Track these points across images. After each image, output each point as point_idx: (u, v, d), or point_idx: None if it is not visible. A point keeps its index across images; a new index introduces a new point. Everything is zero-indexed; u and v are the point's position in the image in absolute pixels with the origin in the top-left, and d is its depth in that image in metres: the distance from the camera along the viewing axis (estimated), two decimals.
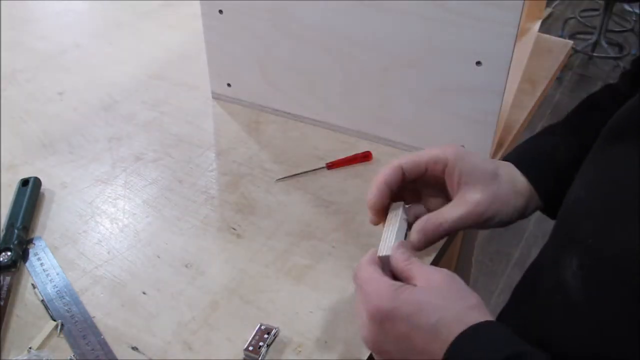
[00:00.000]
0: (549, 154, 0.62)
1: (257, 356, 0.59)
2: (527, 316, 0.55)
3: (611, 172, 0.48)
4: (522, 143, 0.65)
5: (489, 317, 0.46)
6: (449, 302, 0.46)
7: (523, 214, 0.60)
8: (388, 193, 0.56)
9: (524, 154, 0.63)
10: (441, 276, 0.48)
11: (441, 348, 0.45)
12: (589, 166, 0.52)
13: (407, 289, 0.48)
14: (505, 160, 0.62)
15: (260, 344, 0.59)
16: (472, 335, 0.44)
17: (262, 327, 0.61)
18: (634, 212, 0.43)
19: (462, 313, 0.46)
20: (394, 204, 0.58)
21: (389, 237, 0.54)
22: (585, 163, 0.53)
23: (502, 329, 0.45)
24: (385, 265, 0.53)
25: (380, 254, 0.53)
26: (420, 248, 0.56)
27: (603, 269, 0.44)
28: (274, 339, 0.61)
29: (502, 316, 0.63)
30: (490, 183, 0.56)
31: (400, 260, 0.51)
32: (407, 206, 0.59)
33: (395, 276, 0.51)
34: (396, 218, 0.56)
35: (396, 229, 0.54)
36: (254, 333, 0.60)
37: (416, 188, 0.60)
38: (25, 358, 0.58)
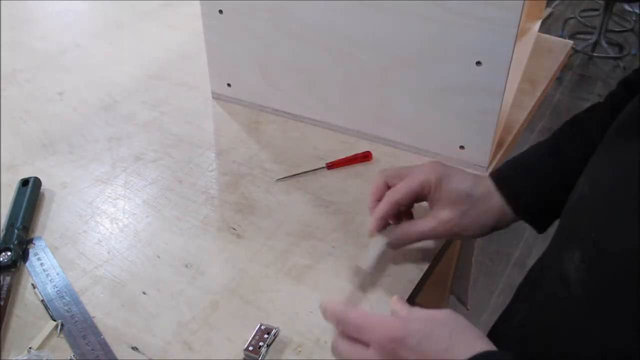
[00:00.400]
0: (530, 171, 0.66)
1: (257, 356, 0.59)
2: (532, 311, 0.57)
3: (615, 168, 0.49)
4: (510, 159, 0.70)
5: (495, 349, 0.48)
6: (456, 331, 0.49)
7: (495, 228, 0.67)
8: (386, 222, 0.66)
9: (506, 171, 0.68)
10: (444, 312, 0.51)
11: None
12: (595, 163, 0.53)
13: (414, 319, 0.51)
14: (493, 174, 0.67)
15: (260, 344, 0.59)
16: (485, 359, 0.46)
17: (262, 327, 0.61)
18: (635, 209, 0.43)
19: (471, 341, 0.49)
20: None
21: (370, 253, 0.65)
22: (591, 160, 0.55)
23: (511, 357, 0.47)
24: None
25: (363, 266, 0.65)
26: (395, 248, 0.67)
27: (605, 264, 0.45)
28: (274, 339, 0.61)
29: (507, 312, 0.63)
30: (461, 204, 0.64)
31: (402, 310, 0.54)
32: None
33: None
34: (380, 240, 0.66)
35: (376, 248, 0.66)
36: (254, 333, 0.60)
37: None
38: (25, 358, 0.58)
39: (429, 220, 0.65)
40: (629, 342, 0.42)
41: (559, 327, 0.50)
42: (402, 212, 0.68)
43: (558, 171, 0.65)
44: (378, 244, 0.66)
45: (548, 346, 0.50)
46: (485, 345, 0.48)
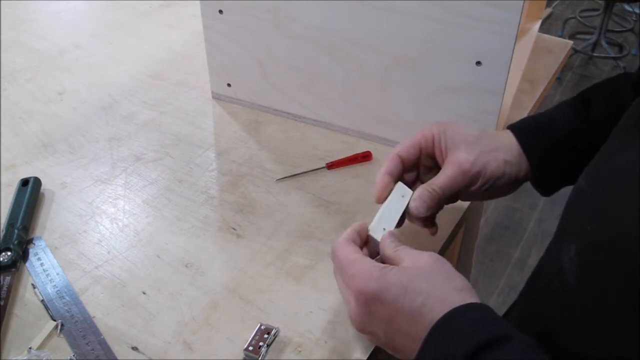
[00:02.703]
0: (547, 124, 0.64)
1: (257, 356, 0.59)
2: (532, 303, 0.56)
3: (610, 161, 0.49)
4: (529, 117, 0.67)
5: (475, 299, 0.47)
6: (434, 284, 0.48)
7: (516, 177, 0.63)
8: (392, 182, 0.61)
9: (524, 122, 0.65)
10: (427, 258, 0.50)
11: (424, 330, 0.46)
12: (594, 160, 0.53)
13: (391, 270, 0.49)
14: (511, 126, 0.65)
15: (261, 344, 0.59)
16: (452, 318, 0.45)
17: (262, 327, 0.61)
18: (628, 197, 0.43)
19: (446, 295, 0.47)
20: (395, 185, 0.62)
21: (383, 214, 0.59)
22: (594, 158, 0.54)
23: (485, 311, 0.46)
24: (371, 244, 0.57)
25: (371, 232, 0.57)
26: (420, 215, 0.60)
27: (597, 253, 0.45)
28: (274, 339, 0.61)
29: (513, 307, 0.63)
30: (474, 143, 0.60)
31: (389, 248, 0.54)
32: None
33: (384, 261, 0.54)
34: (391, 195, 0.60)
35: (389, 205, 0.59)
36: (253, 333, 0.60)
37: (417, 175, 0.65)
38: (25, 358, 0.58)
39: (446, 169, 0.60)
40: (621, 330, 0.42)
41: (553, 319, 0.50)
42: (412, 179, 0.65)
43: (583, 129, 0.62)
44: (388, 201, 0.59)
45: (543, 337, 0.50)
46: (459, 299, 0.46)
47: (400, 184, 0.62)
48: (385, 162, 0.62)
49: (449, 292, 0.47)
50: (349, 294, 0.51)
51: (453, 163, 0.60)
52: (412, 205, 0.60)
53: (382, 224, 0.58)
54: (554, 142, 0.63)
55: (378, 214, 0.59)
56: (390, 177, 0.61)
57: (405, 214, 0.61)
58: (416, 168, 0.65)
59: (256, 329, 0.61)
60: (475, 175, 0.60)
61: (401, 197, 0.61)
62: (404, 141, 0.62)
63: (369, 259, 0.52)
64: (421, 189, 0.60)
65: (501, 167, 0.61)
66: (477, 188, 0.61)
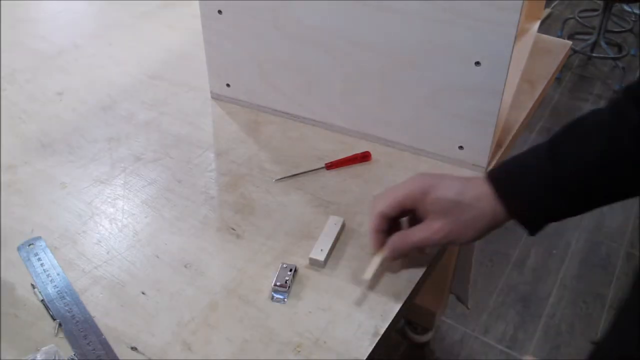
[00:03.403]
0: (527, 172, 0.65)
1: (285, 289, 0.66)
2: None
3: None
4: (508, 159, 0.68)
5: None
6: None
7: (491, 229, 0.66)
8: (384, 238, 0.67)
9: (503, 171, 0.67)
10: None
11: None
12: None
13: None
14: (489, 174, 0.66)
15: (287, 279, 0.66)
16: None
17: (284, 266, 0.68)
18: None
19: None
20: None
21: (321, 240, 0.71)
22: None
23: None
24: (315, 265, 0.70)
25: (312, 255, 0.69)
26: (393, 259, 0.68)
27: None
28: (295, 273, 0.68)
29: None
30: (451, 212, 0.64)
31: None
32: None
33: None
34: (327, 225, 0.74)
35: (326, 232, 0.72)
36: (277, 272, 0.67)
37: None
38: (31, 357, 0.58)
39: (423, 229, 0.66)
40: None
41: None
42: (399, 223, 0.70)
43: (555, 174, 0.63)
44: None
45: None
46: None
47: (332, 217, 0.74)
48: (371, 217, 0.67)
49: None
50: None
51: (429, 228, 0.65)
52: (387, 252, 0.67)
53: (320, 247, 0.70)
54: (538, 200, 0.64)
55: (317, 241, 0.71)
56: (381, 234, 0.67)
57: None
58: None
59: (279, 268, 0.68)
60: (450, 241, 0.66)
61: (334, 224, 0.73)
62: (389, 198, 0.66)
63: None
64: (397, 238, 0.66)
65: (477, 233, 0.66)
66: (445, 246, 0.68)
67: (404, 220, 0.70)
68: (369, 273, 0.66)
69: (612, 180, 0.61)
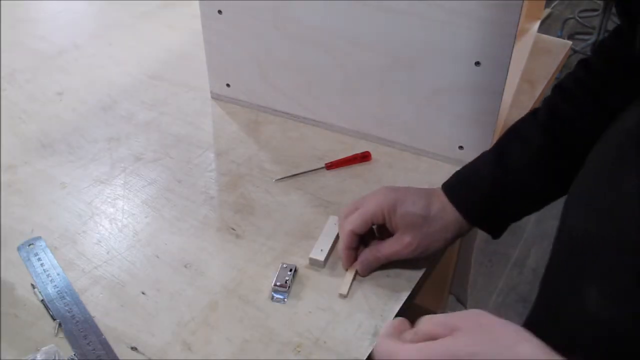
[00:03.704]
0: (476, 179, 0.69)
1: (285, 289, 0.66)
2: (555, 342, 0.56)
3: (618, 203, 0.49)
4: (459, 170, 0.72)
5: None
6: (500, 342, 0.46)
7: (458, 237, 0.69)
8: (355, 254, 0.68)
9: (455, 182, 0.70)
10: (474, 315, 0.47)
11: None
12: (593, 194, 0.52)
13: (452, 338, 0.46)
14: (444, 186, 0.70)
15: (286, 279, 0.66)
16: None
17: (284, 266, 0.68)
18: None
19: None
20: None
21: (320, 240, 0.71)
22: (580, 186, 0.54)
23: None
24: (314, 265, 0.69)
25: (312, 255, 0.69)
26: (364, 274, 0.68)
27: (623, 294, 0.46)
28: (295, 274, 0.68)
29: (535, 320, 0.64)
30: (419, 226, 0.66)
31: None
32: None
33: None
34: (326, 225, 0.74)
35: (325, 232, 0.72)
36: (277, 272, 0.67)
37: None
38: (31, 357, 0.58)
39: (393, 244, 0.67)
40: None
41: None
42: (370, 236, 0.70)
43: (502, 178, 0.67)
44: (351, 271, 0.69)
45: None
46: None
47: (332, 217, 0.74)
48: (342, 235, 0.68)
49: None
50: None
51: (399, 242, 0.66)
52: (358, 267, 0.67)
53: (320, 247, 0.70)
54: (492, 204, 0.68)
55: (317, 241, 0.71)
56: (353, 251, 0.68)
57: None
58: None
59: (279, 267, 0.68)
60: (420, 253, 0.67)
61: (334, 224, 0.73)
62: (355, 216, 0.67)
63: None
64: (368, 253, 0.67)
65: (445, 243, 0.68)
66: (419, 257, 0.68)
67: (374, 227, 0.70)
68: (344, 288, 0.66)
69: (555, 173, 0.65)
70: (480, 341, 0.44)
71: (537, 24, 1.13)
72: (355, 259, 0.68)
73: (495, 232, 0.70)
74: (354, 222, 0.67)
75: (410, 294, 0.67)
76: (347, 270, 0.68)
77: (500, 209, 0.68)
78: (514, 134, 0.70)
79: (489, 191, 0.67)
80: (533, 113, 0.71)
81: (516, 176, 0.67)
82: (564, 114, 0.66)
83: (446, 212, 0.67)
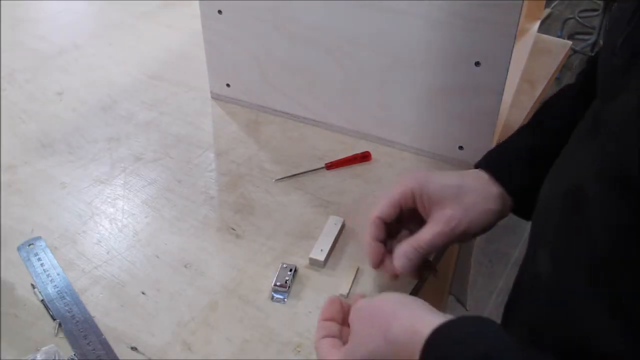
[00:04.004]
0: (517, 154, 0.64)
1: (285, 289, 0.65)
2: (518, 309, 0.58)
3: (568, 170, 0.51)
4: (493, 148, 0.68)
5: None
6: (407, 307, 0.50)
7: (501, 215, 0.62)
8: (382, 247, 0.61)
9: (491, 155, 0.65)
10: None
11: (420, 339, 0.46)
12: (556, 163, 0.54)
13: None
14: (477, 167, 0.64)
15: (286, 279, 0.66)
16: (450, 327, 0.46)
17: (284, 266, 0.68)
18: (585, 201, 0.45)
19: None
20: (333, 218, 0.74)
21: (321, 240, 0.71)
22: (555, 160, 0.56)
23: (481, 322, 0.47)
24: (314, 264, 0.69)
25: (312, 255, 0.69)
26: (405, 271, 0.60)
27: (569, 254, 0.47)
28: (295, 273, 0.67)
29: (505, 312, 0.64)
30: (457, 197, 0.59)
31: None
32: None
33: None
34: (327, 225, 0.73)
35: (326, 232, 0.72)
36: (277, 272, 0.67)
37: (400, 225, 0.64)
38: (31, 357, 0.58)
39: (432, 225, 0.59)
40: (594, 323, 0.44)
41: (538, 320, 0.52)
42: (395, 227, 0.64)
43: (540, 143, 0.63)
44: (328, 230, 0.68)
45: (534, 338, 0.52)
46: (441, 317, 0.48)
47: (332, 217, 0.74)
48: (368, 226, 0.61)
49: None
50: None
51: (439, 220, 0.59)
52: (397, 264, 0.59)
53: (320, 247, 0.70)
54: (529, 171, 0.62)
55: (317, 241, 0.70)
56: (379, 243, 0.61)
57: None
58: (399, 221, 0.63)
59: (279, 268, 0.67)
60: (462, 232, 0.59)
61: (334, 224, 0.73)
62: (383, 201, 0.60)
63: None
64: (406, 245, 0.59)
65: (488, 220, 0.61)
66: (460, 240, 0.61)
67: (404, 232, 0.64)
68: (344, 288, 0.66)
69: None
70: (366, 341, 0.50)
71: (537, 24, 1.13)
72: (382, 254, 0.61)
73: (530, 208, 0.61)
74: (380, 206, 0.60)
75: (410, 294, 0.67)
76: (376, 269, 0.63)
77: (540, 178, 0.59)
78: (548, 107, 0.67)
79: (528, 159, 0.62)
80: (565, 87, 0.68)
81: (553, 140, 0.59)
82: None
83: (484, 184, 0.61)
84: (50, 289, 0.66)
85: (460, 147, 0.83)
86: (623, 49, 0.44)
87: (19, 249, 0.71)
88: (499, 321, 0.66)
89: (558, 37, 1.32)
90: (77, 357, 0.59)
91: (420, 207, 0.61)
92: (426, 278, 0.67)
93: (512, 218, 0.67)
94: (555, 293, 0.49)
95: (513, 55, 0.73)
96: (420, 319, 0.47)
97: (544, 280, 0.50)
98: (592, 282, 0.44)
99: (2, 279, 0.67)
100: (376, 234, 0.60)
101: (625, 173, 0.40)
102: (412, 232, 0.62)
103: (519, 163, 0.63)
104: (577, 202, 0.46)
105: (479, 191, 0.60)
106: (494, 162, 0.63)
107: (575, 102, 0.63)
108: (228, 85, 0.96)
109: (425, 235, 0.59)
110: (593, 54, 0.72)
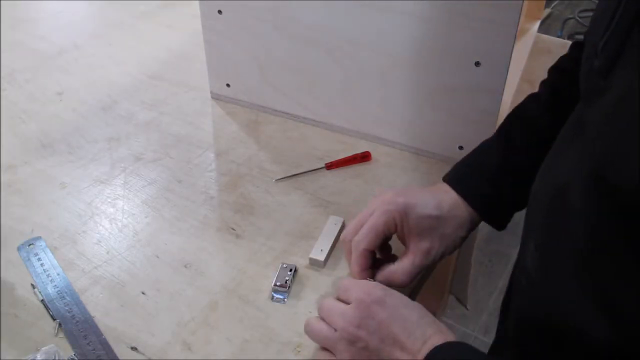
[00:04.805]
0: (486, 173, 0.67)
1: (285, 289, 0.65)
2: (511, 304, 0.62)
3: (557, 166, 0.53)
4: (459, 161, 0.70)
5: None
6: (427, 313, 0.55)
7: (469, 234, 0.67)
8: (366, 272, 0.63)
9: (458, 172, 0.68)
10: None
11: (422, 343, 0.51)
12: (545, 162, 0.57)
13: (395, 292, 0.56)
14: (446, 182, 0.67)
15: (286, 279, 0.66)
16: (451, 346, 0.51)
17: (284, 266, 0.68)
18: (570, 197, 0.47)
19: (441, 327, 0.53)
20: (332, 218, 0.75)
21: (321, 240, 0.71)
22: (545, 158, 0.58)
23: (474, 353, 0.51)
24: (314, 265, 0.69)
25: (312, 255, 0.69)
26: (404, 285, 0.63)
27: (554, 249, 0.50)
28: (295, 273, 0.68)
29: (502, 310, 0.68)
30: (436, 229, 0.63)
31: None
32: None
33: None
34: (327, 225, 0.74)
35: (326, 232, 0.72)
36: (277, 272, 0.67)
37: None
38: (31, 357, 0.58)
39: (411, 257, 0.62)
40: (579, 315, 0.46)
41: (526, 314, 0.55)
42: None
43: (510, 161, 0.66)
44: (328, 230, 0.69)
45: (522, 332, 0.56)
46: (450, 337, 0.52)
47: (332, 217, 0.74)
48: (353, 255, 0.63)
49: (441, 327, 0.53)
50: (343, 307, 0.55)
51: (418, 251, 0.62)
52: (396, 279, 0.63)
53: (320, 247, 0.70)
54: (495, 187, 0.66)
55: (317, 241, 0.71)
56: (368, 273, 0.63)
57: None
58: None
59: (279, 268, 0.67)
60: (439, 258, 0.64)
61: (334, 224, 0.73)
62: (368, 232, 0.62)
63: None
64: (389, 274, 0.63)
65: (460, 242, 0.66)
66: (436, 263, 0.66)
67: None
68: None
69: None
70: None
71: (537, 24, 1.13)
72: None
73: (502, 222, 0.66)
74: (366, 238, 0.61)
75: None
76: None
77: (508, 195, 0.65)
78: (517, 118, 0.68)
79: (498, 179, 0.64)
80: (532, 96, 0.69)
81: (523, 157, 0.64)
82: (566, 92, 0.64)
83: (459, 209, 0.64)
84: (50, 289, 0.66)
85: (460, 147, 0.83)
86: (604, 50, 0.45)
87: (19, 249, 0.71)
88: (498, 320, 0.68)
89: (558, 37, 1.32)
90: (77, 357, 0.59)
91: (400, 234, 0.64)
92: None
93: (512, 218, 0.68)
94: (542, 286, 0.52)
95: (513, 55, 0.73)
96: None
97: (532, 274, 0.53)
98: (576, 275, 0.47)
99: (2, 279, 0.67)
100: (365, 265, 0.63)
101: (602, 173, 0.42)
102: (386, 255, 0.66)
103: (488, 184, 0.66)
104: (562, 200, 0.48)
105: (456, 219, 0.64)
106: (464, 184, 0.66)
107: (541, 113, 0.67)
108: (228, 85, 0.96)
109: (402, 268, 0.62)
110: (564, 55, 0.74)
